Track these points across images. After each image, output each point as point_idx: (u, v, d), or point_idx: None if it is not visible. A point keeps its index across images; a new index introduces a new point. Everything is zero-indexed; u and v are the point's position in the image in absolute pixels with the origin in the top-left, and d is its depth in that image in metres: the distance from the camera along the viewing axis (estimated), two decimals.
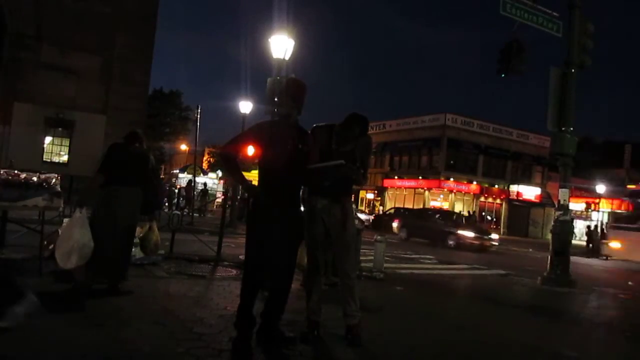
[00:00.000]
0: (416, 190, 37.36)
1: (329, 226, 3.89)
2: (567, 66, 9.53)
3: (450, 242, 17.08)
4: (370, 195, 41.35)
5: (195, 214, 17.86)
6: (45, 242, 5.50)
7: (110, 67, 20.43)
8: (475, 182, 37.25)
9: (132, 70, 20.70)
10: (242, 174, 3.80)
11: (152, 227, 5.73)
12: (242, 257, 5.88)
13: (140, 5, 20.96)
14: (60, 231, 4.73)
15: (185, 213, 17.22)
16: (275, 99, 7.91)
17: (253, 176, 4.74)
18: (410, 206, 32.63)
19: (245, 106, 19.71)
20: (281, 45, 9.39)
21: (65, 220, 4.85)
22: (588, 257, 19.08)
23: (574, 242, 10.56)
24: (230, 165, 3.79)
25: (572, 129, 9.48)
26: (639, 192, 19.86)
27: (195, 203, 23.04)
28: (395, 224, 21.07)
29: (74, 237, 4.45)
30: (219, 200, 25.08)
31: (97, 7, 19.89)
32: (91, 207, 4.89)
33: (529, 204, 38.80)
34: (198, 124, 18.64)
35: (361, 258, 7.49)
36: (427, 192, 36.32)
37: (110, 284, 4.78)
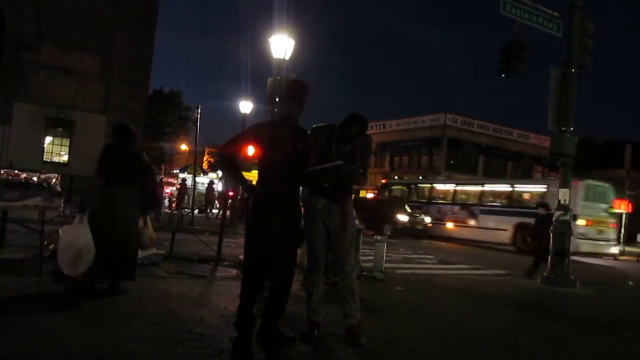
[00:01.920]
0: None
1: (329, 226, 3.89)
2: (567, 66, 9.52)
3: None
4: (370, 195, 41.30)
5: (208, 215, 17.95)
6: (45, 242, 5.51)
7: (110, 67, 20.45)
8: None
9: (132, 70, 20.72)
10: (241, 174, 3.79)
11: (146, 221, 5.75)
12: (242, 257, 5.88)
13: (140, 5, 20.99)
14: (61, 235, 4.71)
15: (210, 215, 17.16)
16: (277, 99, 7.90)
17: (253, 176, 4.73)
18: None
19: (246, 106, 19.75)
20: (281, 45, 9.38)
21: (66, 226, 4.82)
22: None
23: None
24: (230, 165, 3.78)
25: (572, 128, 9.48)
26: (385, 184, 27.35)
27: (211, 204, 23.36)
28: None
29: (78, 244, 4.45)
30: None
31: (97, 7, 19.91)
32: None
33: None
34: (198, 124, 18.66)
35: (361, 258, 7.49)
36: None
37: (111, 284, 4.78)
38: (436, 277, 8.93)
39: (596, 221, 16.52)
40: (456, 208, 20.77)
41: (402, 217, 19.75)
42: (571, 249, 14.43)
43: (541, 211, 10.55)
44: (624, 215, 29.40)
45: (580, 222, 15.39)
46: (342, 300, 3.90)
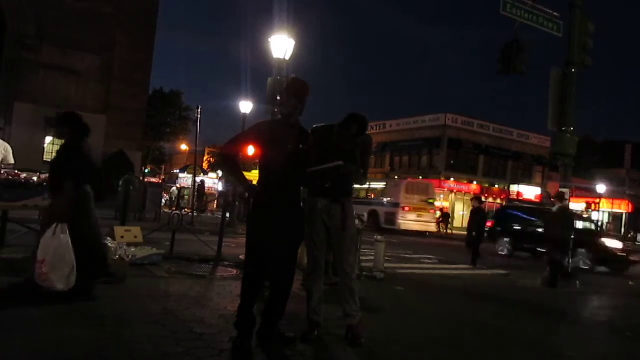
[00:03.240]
0: None
1: (329, 226, 3.89)
2: (568, 66, 9.53)
3: None
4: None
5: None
6: None
7: (110, 67, 20.44)
8: (475, 182, 37.21)
9: (132, 70, 20.72)
10: (242, 174, 3.78)
11: None
12: (242, 257, 5.88)
13: (141, 5, 20.99)
14: (46, 251, 4.62)
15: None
16: (278, 98, 7.90)
17: (253, 176, 4.72)
18: None
19: (246, 106, 19.76)
20: (281, 45, 9.38)
21: (46, 240, 4.69)
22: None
23: None
24: (230, 165, 3.78)
25: (572, 128, 9.48)
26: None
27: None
28: None
29: (68, 259, 4.43)
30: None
31: (97, 7, 19.91)
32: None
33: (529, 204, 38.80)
34: (198, 124, 18.68)
35: (361, 258, 7.48)
36: None
37: (110, 282, 4.78)
38: (436, 277, 8.93)
39: (416, 208, 22.97)
40: None
41: (613, 244, 13.59)
42: (395, 227, 21.71)
43: (474, 204, 11.70)
44: (624, 215, 29.37)
45: (402, 209, 22.63)
46: (342, 300, 3.90)
